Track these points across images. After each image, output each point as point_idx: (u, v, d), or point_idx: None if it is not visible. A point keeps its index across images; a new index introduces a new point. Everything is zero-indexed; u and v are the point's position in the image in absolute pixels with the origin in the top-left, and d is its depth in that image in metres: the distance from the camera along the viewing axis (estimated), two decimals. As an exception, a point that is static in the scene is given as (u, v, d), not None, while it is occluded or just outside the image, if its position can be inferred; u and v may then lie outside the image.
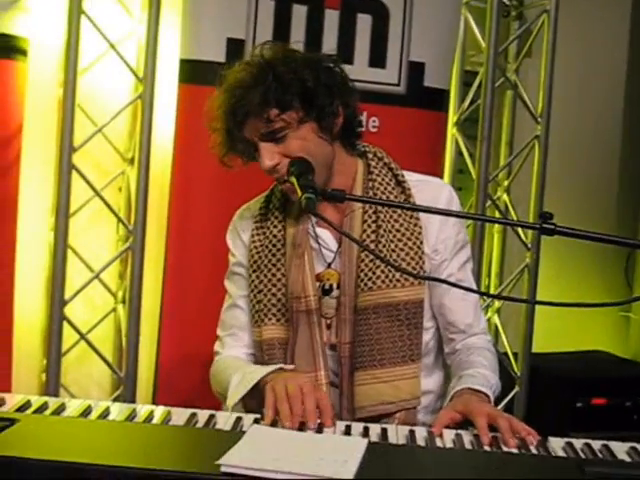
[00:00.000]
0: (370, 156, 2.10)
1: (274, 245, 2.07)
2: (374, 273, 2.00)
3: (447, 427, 1.74)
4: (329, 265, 2.05)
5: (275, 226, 2.09)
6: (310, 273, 2.03)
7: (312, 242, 2.06)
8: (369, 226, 2.03)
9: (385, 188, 2.06)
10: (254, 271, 2.09)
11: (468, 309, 2.09)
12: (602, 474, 1.41)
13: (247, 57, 3.11)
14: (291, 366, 1.98)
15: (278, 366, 1.91)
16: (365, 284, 1.99)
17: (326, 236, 2.06)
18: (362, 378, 1.99)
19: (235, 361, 2.08)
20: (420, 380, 2.02)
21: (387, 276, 2.00)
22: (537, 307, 3.86)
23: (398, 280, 2.00)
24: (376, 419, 1.95)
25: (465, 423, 1.77)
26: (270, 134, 1.93)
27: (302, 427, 1.68)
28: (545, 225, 1.71)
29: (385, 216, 2.03)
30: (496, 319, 4.06)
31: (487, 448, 1.63)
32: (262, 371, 1.89)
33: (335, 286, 2.04)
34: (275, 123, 1.92)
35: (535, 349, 3.91)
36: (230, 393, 1.91)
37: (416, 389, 2.01)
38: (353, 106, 2.03)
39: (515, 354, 3.92)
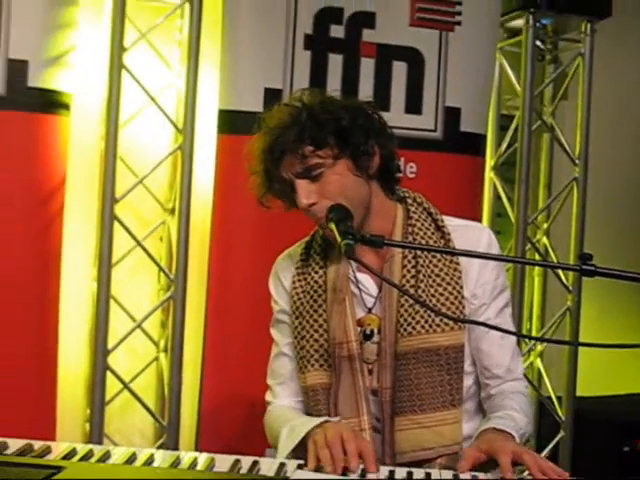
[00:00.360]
0: (410, 201, 2.11)
1: (315, 291, 2.08)
2: (414, 318, 2.00)
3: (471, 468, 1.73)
4: (370, 310, 2.05)
5: (316, 272, 2.09)
6: (352, 318, 2.03)
7: (353, 287, 2.06)
8: (409, 271, 2.03)
9: (425, 233, 2.07)
10: (296, 317, 2.10)
11: (505, 355, 2.07)
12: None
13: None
14: (336, 418, 1.98)
15: (323, 419, 1.91)
16: (405, 329, 1.99)
17: (367, 281, 2.07)
18: (403, 423, 1.99)
19: (285, 412, 2.08)
20: (462, 425, 2.01)
21: (427, 321, 2.00)
22: (580, 350, 3.83)
23: (438, 325, 2.00)
24: (417, 465, 1.93)
25: (489, 464, 1.75)
26: (305, 171, 1.95)
27: (345, 472, 1.68)
28: (585, 266, 1.71)
29: (425, 261, 2.04)
30: (539, 363, 4.03)
31: None
32: (308, 425, 1.89)
33: (376, 331, 2.04)
34: (310, 159, 1.94)
35: (579, 392, 3.87)
36: (280, 447, 1.92)
37: (457, 434, 2.00)
38: (390, 149, 2.05)
39: (559, 398, 3.87)
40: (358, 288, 2.06)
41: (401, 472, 1.69)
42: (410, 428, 1.98)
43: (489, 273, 2.06)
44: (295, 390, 2.13)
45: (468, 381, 2.06)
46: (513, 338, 2.12)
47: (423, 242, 2.05)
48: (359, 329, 2.04)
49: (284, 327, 2.16)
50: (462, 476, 1.67)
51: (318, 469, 1.69)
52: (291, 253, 2.21)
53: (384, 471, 1.70)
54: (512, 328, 2.15)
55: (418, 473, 1.68)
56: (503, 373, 2.06)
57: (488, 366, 2.06)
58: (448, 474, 1.69)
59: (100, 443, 3.15)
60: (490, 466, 1.76)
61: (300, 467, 1.71)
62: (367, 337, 2.04)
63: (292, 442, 1.89)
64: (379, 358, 2.03)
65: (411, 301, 1.99)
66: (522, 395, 2.06)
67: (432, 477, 1.66)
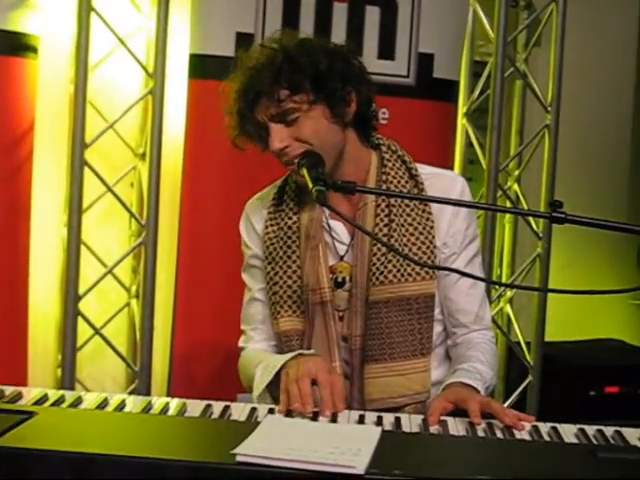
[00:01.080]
0: (384, 149, 2.10)
1: (289, 237, 2.08)
2: (386, 267, 2.01)
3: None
4: (342, 258, 2.06)
5: (289, 217, 2.09)
6: (324, 265, 2.04)
7: (325, 235, 2.07)
8: (381, 220, 2.03)
9: (399, 182, 2.07)
10: (269, 263, 2.10)
11: (473, 303, 2.09)
12: (615, 460, 1.42)
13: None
14: (311, 351, 1.99)
15: (297, 352, 1.93)
16: (377, 278, 2.00)
17: (339, 229, 2.07)
18: (373, 371, 2.01)
19: (259, 353, 2.10)
20: (430, 373, 2.04)
21: (399, 270, 2.01)
22: (549, 296, 3.86)
23: (410, 274, 2.01)
24: (386, 412, 1.94)
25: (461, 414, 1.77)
26: (280, 115, 1.94)
27: (316, 415, 1.70)
28: (555, 214, 1.72)
29: (398, 210, 2.04)
30: (508, 309, 4.06)
31: (482, 427, 1.66)
32: (283, 359, 1.91)
33: (348, 279, 2.04)
34: (286, 104, 1.92)
35: (547, 338, 3.91)
36: (255, 384, 1.94)
37: (427, 382, 2.03)
38: (368, 96, 2.04)
39: (528, 343, 3.92)
40: (331, 235, 2.07)
41: (371, 416, 1.71)
42: (380, 376, 2.00)
43: (460, 222, 2.07)
44: (269, 334, 2.14)
45: (437, 328, 2.09)
46: (482, 287, 2.13)
47: (397, 190, 2.05)
48: (331, 276, 2.04)
49: (256, 272, 2.16)
50: (432, 423, 1.69)
51: (289, 412, 1.71)
52: (263, 196, 2.20)
53: (354, 415, 1.72)
54: (482, 276, 2.16)
55: (388, 417, 1.70)
56: (470, 322, 2.09)
57: (456, 314, 2.09)
58: (417, 419, 1.71)
59: (72, 389, 3.16)
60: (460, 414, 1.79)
61: (271, 411, 1.73)
62: (339, 284, 2.05)
63: (268, 377, 1.90)
64: (350, 305, 2.04)
65: (383, 249, 2.00)
66: (488, 346, 2.08)
67: (402, 421, 1.68)
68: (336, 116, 1.98)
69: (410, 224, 2.04)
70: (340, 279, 2.05)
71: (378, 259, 2.01)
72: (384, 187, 2.05)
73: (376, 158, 2.09)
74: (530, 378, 3.86)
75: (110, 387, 3.43)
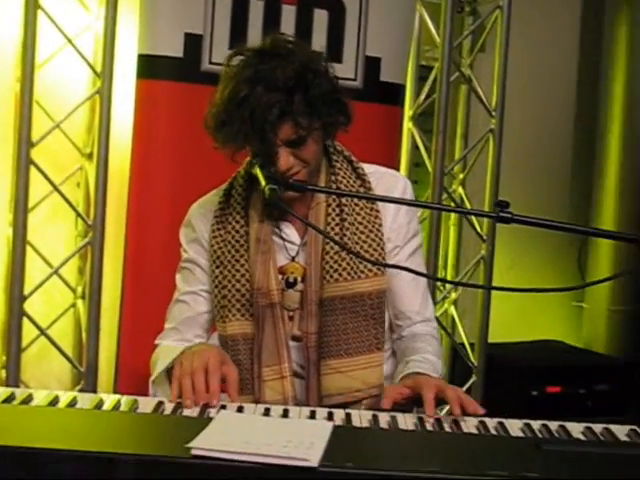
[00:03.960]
0: (331, 150, 2.13)
1: (237, 241, 2.08)
2: (340, 265, 2.03)
3: (395, 403, 1.80)
4: (293, 259, 2.08)
5: (237, 221, 2.09)
6: (273, 267, 2.05)
7: (275, 237, 2.08)
8: (333, 219, 2.06)
9: (348, 182, 2.10)
10: (217, 267, 2.09)
11: (416, 296, 2.13)
12: (559, 452, 1.46)
13: (205, 52, 3.22)
14: (213, 341, 2.05)
15: (198, 342, 1.97)
16: (331, 276, 2.03)
17: (289, 230, 2.09)
18: (329, 367, 2.03)
19: (169, 347, 2.08)
20: (384, 368, 2.07)
21: (352, 268, 2.04)
22: (493, 298, 3.92)
23: (362, 271, 2.05)
24: (342, 407, 1.96)
25: (413, 403, 1.81)
26: (295, 141, 1.92)
27: (205, 407, 1.72)
28: (502, 214, 1.76)
29: (348, 209, 2.07)
30: (453, 310, 4.12)
31: (430, 422, 1.69)
32: (181, 349, 1.93)
33: (299, 279, 2.06)
34: (304, 131, 1.92)
35: (491, 339, 3.98)
36: (155, 370, 1.97)
37: (381, 376, 2.06)
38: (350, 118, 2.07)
39: (472, 344, 3.98)
40: (281, 237, 2.09)
41: (322, 412, 1.73)
42: (337, 371, 2.03)
43: (402, 217, 2.12)
44: (186, 337, 2.13)
45: (385, 323, 2.11)
46: (424, 280, 2.17)
47: (347, 189, 2.09)
48: (281, 277, 2.06)
49: (188, 275, 2.16)
50: (381, 416, 1.72)
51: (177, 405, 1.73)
52: (207, 200, 2.19)
53: (306, 411, 1.74)
54: (424, 271, 2.21)
55: (339, 413, 1.72)
56: (414, 314, 2.13)
57: (399, 307, 2.12)
58: (368, 414, 1.73)
59: (16, 389, 3.13)
60: (410, 408, 1.82)
61: (223, 407, 1.73)
62: (290, 285, 2.07)
63: (164, 362, 1.93)
64: (303, 305, 2.06)
65: (336, 248, 2.03)
66: (433, 338, 2.12)
67: (352, 417, 1.70)
68: (327, 138, 2.04)
69: (360, 222, 2.07)
70: (292, 279, 2.07)
71: (331, 257, 2.04)
72: (334, 187, 2.08)
73: (325, 160, 2.12)
74: (474, 378, 3.92)
75: (55, 388, 3.38)
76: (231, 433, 1.42)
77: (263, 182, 1.84)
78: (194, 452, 1.31)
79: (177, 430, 1.51)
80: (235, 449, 1.31)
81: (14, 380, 3.16)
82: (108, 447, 1.36)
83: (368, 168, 2.16)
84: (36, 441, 1.37)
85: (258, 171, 1.88)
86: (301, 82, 1.91)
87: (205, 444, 1.33)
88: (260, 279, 2.04)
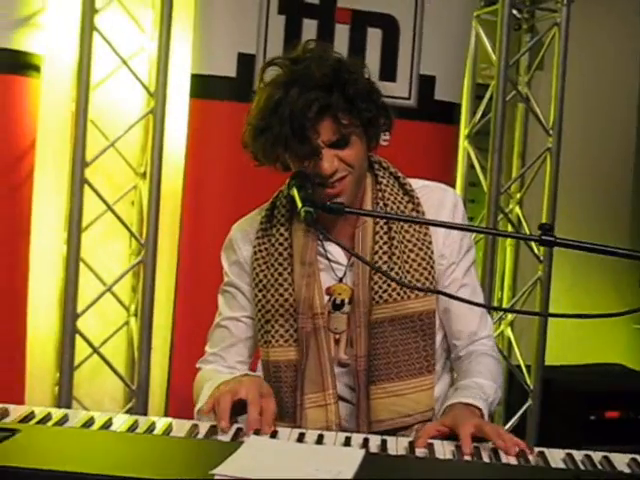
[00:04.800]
0: (376, 166, 2.09)
1: (280, 263, 2.03)
2: (389, 285, 1.99)
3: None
4: (340, 280, 2.03)
5: (280, 243, 2.04)
6: (319, 288, 2.01)
7: (321, 258, 2.04)
8: (381, 237, 2.01)
9: (395, 198, 2.05)
10: (260, 290, 2.05)
11: (474, 315, 2.08)
12: (598, 485, 1.41)
13: (258, 71, 3.23)
14: (258, 373, 2.02)
15: (244, 372, 1.95)
16: (380, 296, 1.98)
17: (335, 250, 2.04)
18: (379, 392, 1.98)
19: (213, 373, 2.06)
20: (434, 390, 2.02)
21: (401, 288, 1.99)
22: (550, 320, 3.86)
23: (412, 291, 2.00)
24: (393, 432, 1.93)
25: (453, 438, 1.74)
26: (338, 141, 1.89)
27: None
28: (544, 237, 1.72)
29: (397, 226, 2.02)
30: (509, 332, 4.05)
31: (468, 458, 1.62)
32: (225, 377, 1.91)
33: (347, 301, 2.02)
34: (346, 128, 1.88)
35: (548, 362, 3.90)
36: (200, 399, 1.92)
37: (432, 400, 2.01)
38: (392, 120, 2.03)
39: (528, 367, 3.91)
40: (327, 258, 2.04)
41: (357, 438, 1.70)
42: (387, 396, 1.98)
43: (455, 232, 2.06)
44: (229, 363, 2.11)
45: (436, 344, 2.07)
46: (481, 297, 2.13)
47: (394, 207, 2.04)
48: (328, 298, 2.02)
49: (229, 299, 2.14)
50: (418, 444, 1.68)
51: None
52: (249, 220, 2.15)
53: (341, 438, 1.71)
54: (478, 286, 2.14)
55: (374, 440, 1.69)
56: (472, 332, 2.07)
57: (457, 326, 2.07)
58: (404, 441, 1.70)
59: (69, 407, 3.15)
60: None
61: (257, 432, 1.71)
62: (337, 307, 2.02)
63: (208, 393, 1.87)
64: (350, 327, 2.01)
65: (385, 260, 1.98)
66: (490, 357, 2.06)
67: (388, 444, 1.67)
68: (370, 142, 1.98)
69: (409, 240, 2.02)
70: (339, 301, 2.02)
71: (380, 277, 1.99)
72: (380, 204, 2.04)
73: (370, 177, 2.07)
74: (530, 402, 3.85)
75: (108, 405, 3.43)
76: (258, 459, 1.41)
77: (300, 204, 1.81)
78: (217, 478, 1.29)
79: (208, 455, 1.50)
80: (258, 476, 1.29)
81: (67, 397, 3.18)
82: (135, 472, 1.34)
83: (416, 183, 2.10)
84: (65, 464, 1.36)
85: (295, 192, 1.85)
86: (338, 79, 1.87)
87: (230, 471, 1.32)
88: (305, 301, 2.00)
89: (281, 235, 2.05)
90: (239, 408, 1.78)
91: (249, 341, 2.13)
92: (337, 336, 2.03)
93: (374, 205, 2.04)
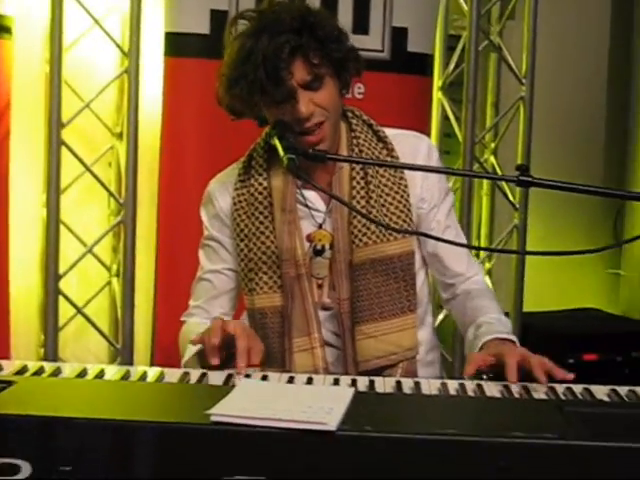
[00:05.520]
0: (350, 115, 2.13)
1: (261, 212, 2.07)
2: (368, 229, 2.03)
3: (479, 369, 1.79)
4: (320, 226, 2.07)
5: (260, 192, 2.07)
6: (300, 236, 2.05)
7: (300, 205, 2.07)
8: (358, 183, 2.05)
9: (369, 145, 2.09)
10: (241, 240, 2.08)
11: (462, 253, 2.14)
12: (581, 413, 1.46)
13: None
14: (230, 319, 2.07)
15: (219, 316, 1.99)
16: (360, 240, 2.02)
17: (314, 197, 2.07)
18: (364, 332, 2.03)
19: (197, 326, 2.07)
20: (417, 330, 2.07)
21: (380, 231, 2.03)
22: (527, 268, 3.90)
23: (390, 234, 2.04)
24: (379, 372, 1.99)
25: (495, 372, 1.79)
26: (313, 81, 1.93)
27: (229, 378, 1.72)
28: (522, 177, 1.75)
29: (372, 171, 2.06)
30: (487, 281, 4.07)
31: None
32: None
33: (328, 246, 2.06)
34: (319, 68, 1.93)
35: (526, 308, 3.96)
36: (187, 352, 1.96)
37: (415, 338, 2.06)
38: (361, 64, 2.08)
39: (507, 314, 3.94)
40: (306, 205, 2.07)
41: (346, 379, 1.74)
42: (372, 335, 2.03)
43: (433, 176, 2.11)
44: (211, 315, 2.13)
45: (417, 285, 2.11)
46: (464, 238, 2.23)
47: (369, 153, 2.08)
48: (308, 245, 2.06)
49: (210, 252, 2.17)
50: (404, 382, 1.72)
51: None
52: (226, 174, 2.17)
53: (329, 379, 1.74)
54: (459, 229, 2.20)
55: (363, 380, 1.73)
56: (464, 269, 2.13)
57: (448, 266, 2.13)
58: (391, 381, 1.74)
59: (55, 367, 3.18)
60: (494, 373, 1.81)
61: (247, 376, 1.75)
62: (318, 252, 2.06)
63: (194, 348, 1.91)
64: (332, 272, 2.06)
65: (362, 204, 2.03)
66: (490, 293, 2.15)
67: (375, 384, 1.71)
68: (343, 86, 2.03)
69: (385, 184, 2.06)
70: (320, 247, 2.06)
71: (359, 221, 2.03)
72: (356, 151, 2.07)
73: (344, 124, 2.11)
74: (509, 348, 3.90)
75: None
76: (252, 400, 1.44)
77: (282, 152, 1.85)
78: (213, 418, 1.33)
79: (201, 398, 1.53)
80: (254, 415, 1.33)
81: (53, 358, 3.20)
82: (130, 415, 1.38)
83: (390, 131, 2.14)
84: (60, 410, 1.39)
85: (277, 141, 1.89)
86: (306, 22, 1.93)
87: (225, 410, 1.35)
88: (287, 249, 2.04)
89: (260, 184, 2.08)
90: (228, 357, 1.82)
91: (231, 293, 2.17)
92: (320, 281, 2.07)
93: (349, 152, 2.08)
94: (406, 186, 2.08)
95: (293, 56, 1.90)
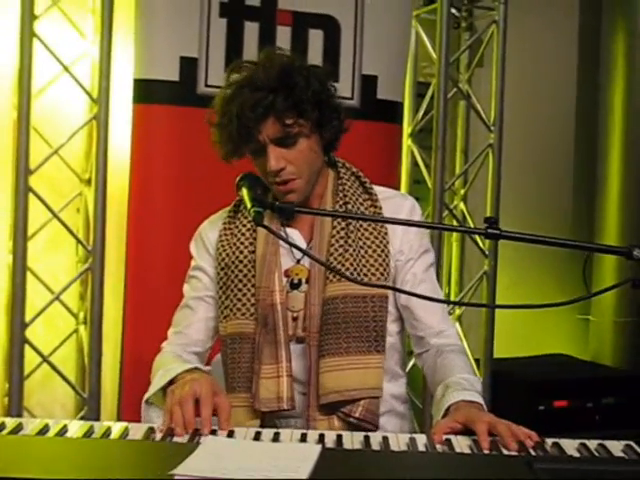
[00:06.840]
0: (339, 165, 2.18)
1: (242, 243, 2.12)
2: (343, 265, 2.06)
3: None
4: (298, 261, 2.11)
5: (244, 225, 2.14)
6: (278, 269, 2.09)
7: (282, 242, 2.09)
8: (339, 223, 2.10)
9: (354, 194, 2.14)
10: (222, 269, 2.13)
11: (435, 307, 2.14)
12: (550, 470, 1.44)
13: (201, 75, 3.25)
14: (207, 367, 2.07)
15: (193, 365, 1.97)
16: (334, 276, 2.05)
17: (295, 235, 2.12)
18: (328, 365, 2.03)
19: (170, 358, 2.10)
20: (383, 371, 2.07)
21: (355, 269, 2.06)
22: (497, 313, 3.91)
23: (365, 274, 2.07)
24: (338, 407, 2.01)
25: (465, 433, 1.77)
26: (284, 139, 1.98)
27: (195, 433, 1.71)
28: (490, 230, 1.75)
29: (355, 221, 2.11)
30: (457, 326, 4.09)
31: (423, 443, 1.67)
32: (178, 369, 1.94)
33: (304, 281, 2.09)
34: (292, 128, 1.97)
35: (497, 355, 3.96)
36: (151, 387, 1.97)
37: (380, 379, 2.06)
38: (345, 124, 2.12)
39: (477, 360, 3.96)
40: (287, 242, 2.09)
41: (314, 435, 1.71)
42: (335, 369, 2.03)
43: (413, 233, 2.15)
44: (190, 340, 2.17)
45: (390, 339, 2.12)
46: (440, 294, 2.25)
47: (354, 203, 2.12)
48: (286, 279, 2.09)
49: (194, 282, 2.21)
50: (372, 437, 1.70)
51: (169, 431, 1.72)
52: (216, 216, 2.25)
53: (297, 434, 1.72)
54: (438, 286, 2.22)
55: (330, 435, 1.71)
56: (435, 323, 2.13)
57: (422, 319, 2.13)
58: (360, 436, 1.72)
59: (20, 417, 3.12)
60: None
61: (213, 432, 1.72)
62: (294, 286, 2.09)
63: (159, 384, 1.94)
64: (307, 306, 2.07)
65: (340, 251, 2.07)
66: (463, 352, 2.13)
67: (343, 439, 1.69)
68: (326, 145, 2.08)
69: (366, 229, 2.11)
70: (296, 281, 2.09)
71: (335, 258, 2.07)
72: (341, 202, 2.12)
73: (333, 174, 2.16)
74: (480, 394, 3.89)
75: (59, 414, 3.41)
76: (216, 458, 1.42)
77: (249, 204, 1.88)
78: (177, 478, 1.30)
79: (165, 456, 1.50)
80: (217, 476, 1.30)
81: (17, 407, 3.15)
82: (92, 475, 1.35)
83: (378, 188, 2.20)
84: (22, 471, 1.36)
85: (245, 193, 1.92)
86: (284, 82, 1.97)
87: (188, 470, 1.33)
88: (265, 280, 2.07)
89: (248, 221, 2.14)
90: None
91: (211, 321, 2.19)
92: (295, 314, 2.09)
93: (334, 199, 2.13)
94: (386, 234, 2.12)
95: (266, 114, 1.96)
